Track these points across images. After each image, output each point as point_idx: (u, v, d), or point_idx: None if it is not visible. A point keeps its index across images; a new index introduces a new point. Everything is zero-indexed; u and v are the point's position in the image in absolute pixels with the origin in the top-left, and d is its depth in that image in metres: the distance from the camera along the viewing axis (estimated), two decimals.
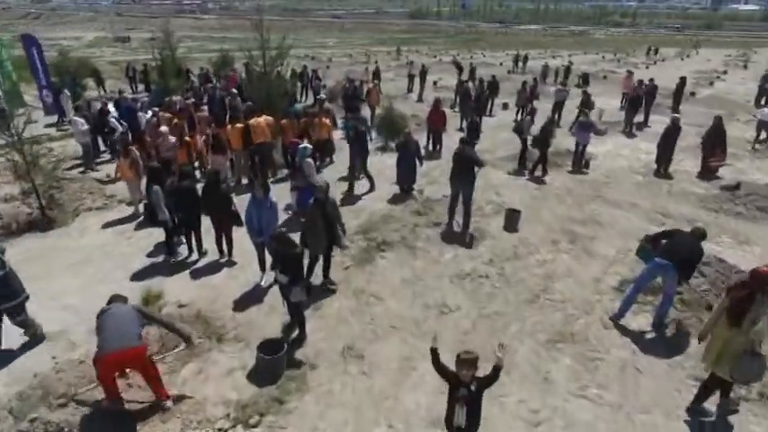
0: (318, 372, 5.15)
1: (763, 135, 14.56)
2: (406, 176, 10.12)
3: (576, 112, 16.15)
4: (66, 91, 15.78)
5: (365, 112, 15.38)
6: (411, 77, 23.64)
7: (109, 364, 4.37)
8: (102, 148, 12.88)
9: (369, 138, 12.59)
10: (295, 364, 5.19)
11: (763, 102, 21.71)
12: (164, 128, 9.85)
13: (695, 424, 4.61)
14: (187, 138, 9.76)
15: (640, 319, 6.08)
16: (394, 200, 9.92)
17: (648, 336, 5.82)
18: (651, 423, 4.61)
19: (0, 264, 5.22)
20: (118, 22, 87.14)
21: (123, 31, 61.83)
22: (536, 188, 10.76)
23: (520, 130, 11.63)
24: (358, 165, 10.30)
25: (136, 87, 22.45)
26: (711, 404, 4.71)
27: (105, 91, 21.24)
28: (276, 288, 5.87)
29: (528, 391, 4.92)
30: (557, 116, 16.58)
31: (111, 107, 13.10)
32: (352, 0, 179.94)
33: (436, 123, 13.20)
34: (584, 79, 24.71)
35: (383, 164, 12.01)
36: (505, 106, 19.71)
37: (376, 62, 29.97)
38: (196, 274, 7.14)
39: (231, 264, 7.43)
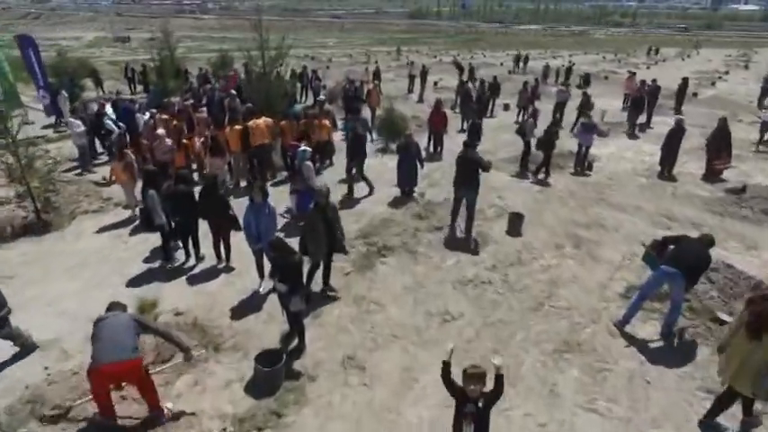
0: (318, 383, 4.99)
1: (767, 137, 14.41)
2: (407, 179, 9.96)
3: (576, 113, 16.06)
4: (63, 92, 15.63)
5: (365, 113, 15.23)
6: (411, 78, 23.52)
7: (103, 377, 4.21)
8: (100, 149, 12.73)
9: (370, 139, 12.46)
10: (294, 376, 5.04)
11: (766, 102, 21.59)
12: (160, 130, 9.69)
13: None
14: (185, 140, 9.58)
15: (648, 328, 5.93)
16: (395, 203, 9.77)
17: (657, 345, 5.67)
18: None
19: None
20: (118, 22, 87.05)
21: (123, 32, 61.66)
22: (539, 191, 10.62)
23: (523, 132, 11.48)
24: (355, 167, 10.13)
25: (135, 88, 22.30)
26: (724, 418, 4.56)
27: (104, 92, 21.09)
28: (275, 295, 5.72)
29: (534, 404, 4.77)
30: (558, 117, 16.46)
31: (108, 108, 12.96)
32: (352, 0, 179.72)
33: (437, 125, 13.05)
34: (586, 80, 24.58)
35: (384, 166, 11.86)
36: (506, 107, 19.58)
37: (376, 62, 29.85)
38: (193, 281, 6.99)
39: (229, 269, 7.28)
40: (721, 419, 4.52)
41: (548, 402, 4.79)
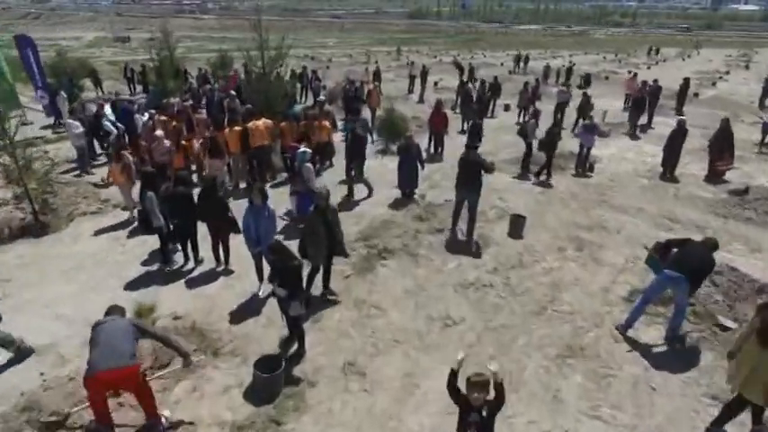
0: (317, 389, 4.92)
1: None
2: (407, 181, 9.89)
3: (576, 114, 15.99)
4: (62, 92, 15.55)
5: (365, 113, 15.15)
6: (412, 78, 23.45)
7: (99, 385, 4.13)
8: (99, 150, 12.66)
9: (371, 140, 12.38)
10: (293, 381, 4.97)
11: (767, 103, 21.52)
12: (159, 132, 9.61)
13: None
14: (183, 142, 9.50)
15: (652, 332, 5.86)
16: (395, 204, 9.70)
17: (661, 350, 5.59)
18: None
19: None
20: (118, 22, 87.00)
21: (123, 32, 61.56)
22: (540, 192, 10.54)
23: (524, 133, 11.40)
24: (354, 169, 10.06)
25: (134, 88, 22.21)
26: (732, 426, 4.49)
27: (103, 92, 21.01)
28: (274, 299, 5.64)
29: (538, 410, 4.70)
30: (559, 118, 16.38)
31: (107, 109, 12.89)
32: (352, 0, 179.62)
33: (438, 125, 12.98)
34: (586, 80, 24.53)
35: (384, 167, 11.78)
36: (507, 107, 19.50)
37: (376, 62, 29.77)
38: (192, 284, 6.92)
39: (228, 272, 7.20)
40: (729, 428, 4.44)
41: (551, 409, 4.72)
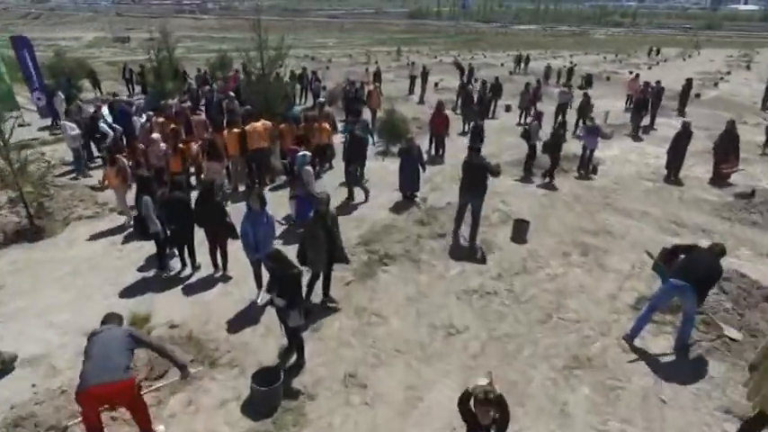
0: (317, 403, 4.77)
1: None
2: (409, 183, 9.75)
3: (576, 115, 15.84)
4: (59, 93, 15.40)
5: (366, 114, 15.01)
6: (412, 79, 23.30)
7: (92, 399, 3.97)
8: (96, 153, 12.50)
9: (372, 142, 12.24)
10: (292, 394, 4.81)
11: None
12: (155, 134, 9.45)
13: None
14: (181, 145, 9.33)
15: (661, 341, 5.71)
16: (396, 208, 9.55)
17: (670, 360, 5.44)
18: None
19: None
20: (117, 22, 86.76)
21: (123, 32, 61.33)
22: (544, 195, 10.39)
23: (528, 135, 11.25)
24: (352, 171, 9.91)
25: (133, 89, 22.06)
26: None
27: (101, 93, 20.85)
28: (273, 308, 5.49)
29: (545, 424, 4.54)
30: (562, 119, 16.23)
31: (105, 110, 12.74)
32: (351, 0, 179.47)
33: (439, 127, 12.83)
34: (588, 81, 24.41)
35: (385, 169, 11.64)
36: (508, 108, 19.37)
37: (376, 63, 29.63)
38: (189, 291, 6.76)
39: (226, 279, 7.05)
40: None
41: (559, 423, 4.56)
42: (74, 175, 11.24)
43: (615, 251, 7.92)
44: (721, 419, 4.61)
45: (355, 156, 9.85)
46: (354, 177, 9.94)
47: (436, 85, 24.19)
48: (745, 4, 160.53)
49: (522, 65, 31.95)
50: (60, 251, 7.96)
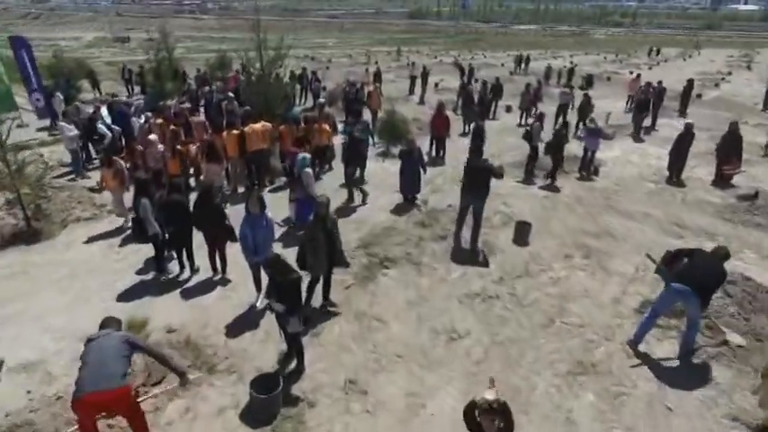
0: (317, 410, 4.68)
1: None
2: (410, 186, 9.66)
3: (577, 115, 15.75)
4: (58, 94, 15.30)
5: (366, 115, 14.92)
6: (412, 79, 23.22)
7: (88, 407, 3.88)
8: (95, 154, 12.41)
9: (372, 143, 12.16)
10: (292, 402, 4.73)
11: None
12: (152, 135, 9.36)
13: None
14: (179, 147, 9.24)
15: (665, 346, 5.63)
16: (397, 210, 9.46)
17: (675, 365, 5.36)
18: None
19: None
20: (117, 22, 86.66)
21: (123, 32, 61.21)
22: (545, 197, 10.31)
23: (530, 137, 11.16)
24: (351, 173, 9.82)
25: (132, 90, 21.96)
26: None
27: (101, 93, 20.76)
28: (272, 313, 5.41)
29: None
30: (564, 120, 16.15)
31: (104, 110, 12.65)
32: (351, 0, 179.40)
33: (439, 128, 12.73)
34: (589, 81, 24.32)
35: (385, 171, 11.56)
36: (509, 109, 19.28)
37: (376, 63, 29.54)
38: (187, 294, 6.68)
39: (225, 282, 6.97)
40: None
41: (564, 431, 4.48)
42: (72, 176, 11.15)
43: (618, 254, 7.84)
44: (728, 427, 4.53)
45: (354, 157, 9.77)
46: (353, 179, 9.87)
47: (436, 85, 24.11)
48: (745, 4, 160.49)
49: (523, 65, 31.87)
50: (58, 254, 7.88)
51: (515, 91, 20.51)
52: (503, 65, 34.73)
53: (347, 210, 9.45)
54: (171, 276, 7.10)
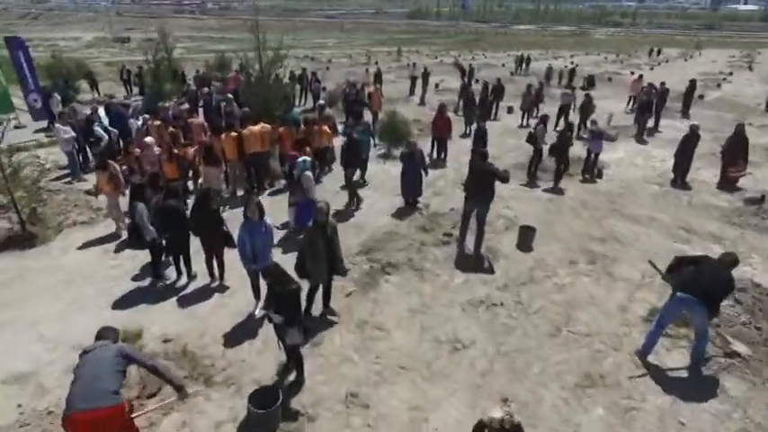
0: (317, 425, 4.53)
1: None
2: (411, 189, 9.51)
3: (579, 115, 15.60)
4: (56, 95, 15.15)
5: (367, 116, 14.77)
6: (413, 80, 23.05)
7: (77, 426, 3.71)
8: (92, 157, 12.24)
9: (373, 144, 12.01)
10: (291, 416, 4.57)
11: None
12: (149, 138, 9.20)
13: None
14: (176, 150, 9.07)
15: (676, 356, 5.47)
16: (398, 214, 9.31)
17: (687, 377, 5.20)
18: None
19: None
20: (117, 22, 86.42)
21: (123, 32, 61.00)
22: (549, 200, 10.15)
23: (534, 139, 11.00)
24: (350, 175, 9.66)
25: (131, 90, 21.79)
26: None
27: (99, 94, 20.60)
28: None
29: None
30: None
31: (101, 112, 12.49)
32: (351, 0, 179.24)
33: (441, 130, 12.57)
34: (590, 81, 24.19)
35: (386, 173, 11.41)
36: (510, 110, 19.12)
37: (377, 64, 29.39)
38: (184, 302, 6.52)
39: (223, 288, 6.81)
40: None
41: None
42: (69, 179, 11.00)
43: (624, 259, 7.69)
44: None
45: (353, 159, 9.62)
46: (353, 181, 9.71)
47: (437, 86, 23.96)
48: (745, 4, 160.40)
49: (524, 65, 31.71)
50: (53, 259, 7.73)
51: (516, 92, 20.37)
52: (503, 65, 34.58)
53: (347, 214, 9.29)
54: (168, 283, 6.95)
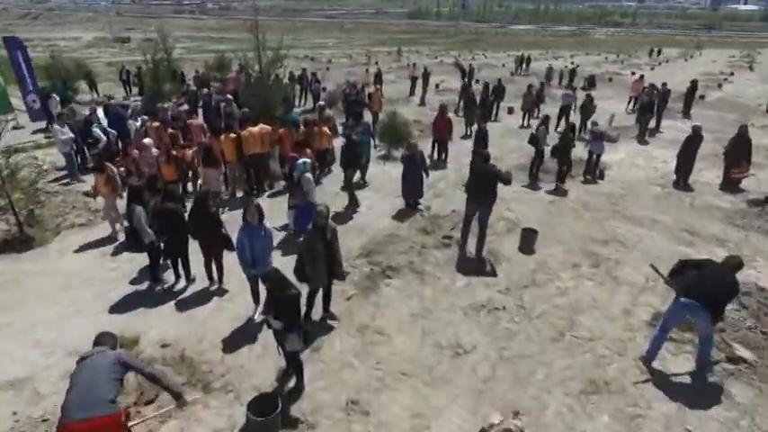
0: None
1: None
2: (412, 191, 9.43)
3: (580, 115, 15.53)
4: (54, 95, 15.06)
5: (367, 117, 14.68)
6: (413, 80, 22.96)
7: None
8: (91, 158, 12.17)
9: (373, 144, 11.93)
10: (290, 424, 4.50)
11: None
12: (147, 139, 9.11)
13: None
14: (174, 152, 8.99)
15: (681, 361, 5.39)
16: (399, 216, 9.23)
17: (693, 384, 5.12)
18: None
19: None
20: (117, 22, 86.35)
21: (123, 32, 60.90)
22: (550, 202, 10.07)
23: (536, 141, 10.92)
24: (350, 177, 9.59)
25: (130, 91, 21.70)
26: None
27: (98, 95, 20.51)
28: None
29: None
30: (563, 121, 15.94)
31: (100, 112, 12.41)
32: (351, 0, 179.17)
33: (442, 131, 12.49)
34: (591, 82, 24.11)
35: (387, 174, 11.34)
36: (511, 110, 19.05)
37: (377, 64, 29.32)
38: (182, 306, 6.44)
39: (222, 292, 6.74)
40: None
41: None
42: (67, 180, 10.91)
43: (627, 262, 7.61)
44: None
45: (353, 160, 9.54)
46: (353, 183, 9.63)
47: (437, 86, 23.88)
48: (745, 4, 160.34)
49: (524, 66, 31.63)
50: (50, 262, 7.65)
51: (517, 92, 20.30)
52: (503, 65, 34.50)
53: (347, 216, 9.21)
54: (166, 286, 6.88)
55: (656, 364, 5.31)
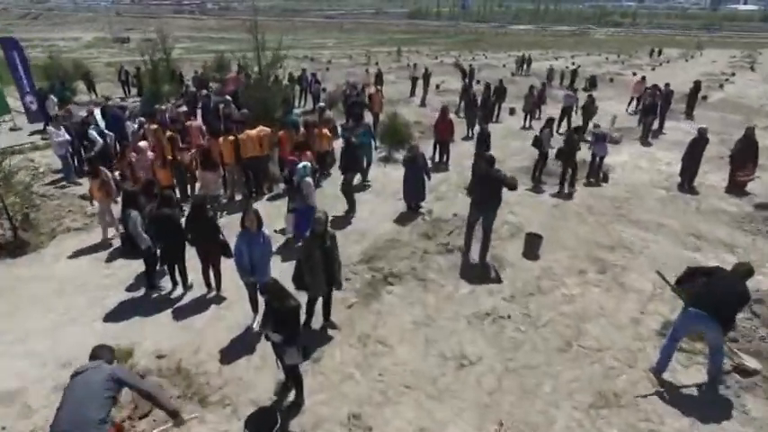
0: None
1: None
2: (414, 193, 9.28)
3: (581, 116, 15.38)
4: (52, 96, 14.90)
5: (368, 118, 14.52)
6: (414, 81, 22.78)
7: None
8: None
9: (374, 146, 11.77)
10: None
11: None
12: (142, 143, 8.94)
13: None
14: (170, 157, 8.82)
15: (692, 373, 5.23)
16: (400, 219, 9.07)
17: (705, 397, 4.96)
18: None
19: None
20: (117, 22, 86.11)
21: (122, 32, 60.67)
22: (554, 205, 9.91)
23: (539, 143, 10.76)
24: (350, 180, 9.42)
25: (128, 92, 21.53)
26: None
27: (97, 95, 20.32)
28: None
29: None
30: (566, 123, 15.79)
31: (97, 115, 12.26)
32: (351, 0, 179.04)
33: (443, 133, 12.33)
34: (592, 82, 23.97)
35: (387, 177, 11.19)
36: (512, 111, 18.89)
37: (377, 64, 29.15)
38: (179, 314, 6.28)
39: (219, 299, 6.58)
40: None
41: None
42: (63, 183, 10.75)
43: (634, 268, 7.45)
44: None
45: (352, 163, 9.37)
46: (352, 186, 9.47)
47: (438, 87, 23.72)
48: (745, 4, 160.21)
49: (525, 66, 31.46)
50: (45, 267, 7.49)
51: (518, 93, 20.15)
52: (504, 65, 34.33)
53: (347, 220, 9.05)
54: (162, 293, 6.72)
55: (666, 376, 5.16)
